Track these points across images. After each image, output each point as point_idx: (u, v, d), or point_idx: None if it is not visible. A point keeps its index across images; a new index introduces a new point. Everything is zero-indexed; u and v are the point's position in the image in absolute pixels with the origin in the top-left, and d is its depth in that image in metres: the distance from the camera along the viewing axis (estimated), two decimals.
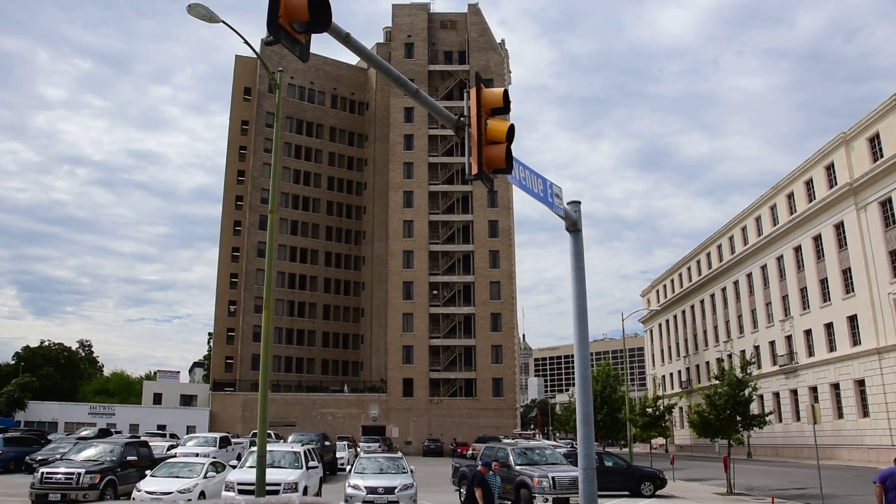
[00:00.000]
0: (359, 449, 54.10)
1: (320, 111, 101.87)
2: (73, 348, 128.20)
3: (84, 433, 54.63)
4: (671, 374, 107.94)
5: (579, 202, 12.11)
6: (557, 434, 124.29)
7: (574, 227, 11.85)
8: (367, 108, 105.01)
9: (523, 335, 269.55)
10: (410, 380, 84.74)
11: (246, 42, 18.38)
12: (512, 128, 9.72)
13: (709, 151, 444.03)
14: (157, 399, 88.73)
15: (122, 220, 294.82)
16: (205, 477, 23.61)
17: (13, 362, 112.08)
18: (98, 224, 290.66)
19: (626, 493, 32.00)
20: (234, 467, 25.82)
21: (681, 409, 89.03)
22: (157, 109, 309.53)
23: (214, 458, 29.46)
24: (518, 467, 26.64)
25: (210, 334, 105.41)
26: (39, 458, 35.66)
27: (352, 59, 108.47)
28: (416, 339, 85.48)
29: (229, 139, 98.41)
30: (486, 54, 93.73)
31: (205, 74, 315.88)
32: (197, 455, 32.42)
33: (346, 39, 8.44)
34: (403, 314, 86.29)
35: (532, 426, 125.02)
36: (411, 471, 25.60)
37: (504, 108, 9.97)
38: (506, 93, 10.02)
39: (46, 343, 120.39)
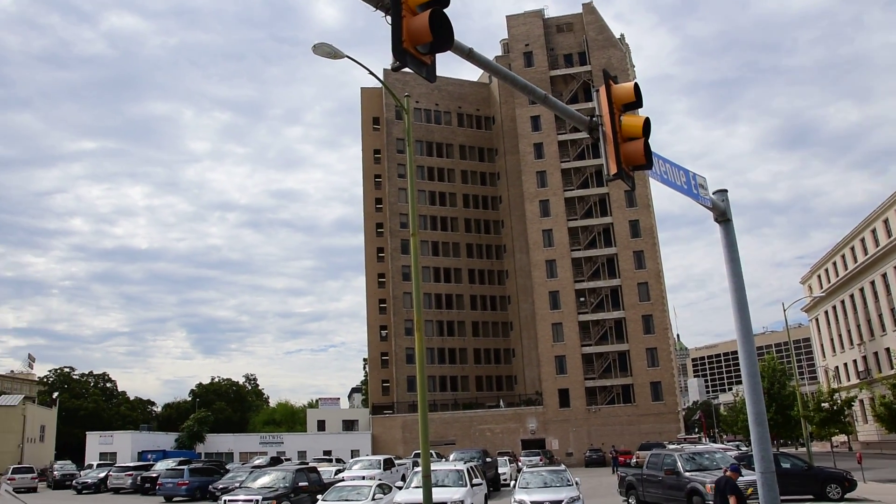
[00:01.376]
0: (520, 463, 53.88)
1: (448, 131, 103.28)
2: (241, 382, 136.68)
3: (257, 462, 57.81)
4: (845, 365, 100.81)
5: (726, 190, 11.61)
6: (724, 436, 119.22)
7: (723, 217, 11.34)
8: (493, 122, 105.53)
9: (678, 335, 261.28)
10: (566, 390, 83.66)
11: (371, 73, 18.81)
12: (648, 121, 9.39)
13: (860, 119, 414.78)
14: (321, 426, 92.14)
15: (271, 258, 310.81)
16: (373, 499, 24.17)
17: (189, 399, 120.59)
18: (251, 264, 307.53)
19: (810, 497, 29.32)
20: (399, 488, 26.30)
21: (861, 402, 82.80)
22: (292, 149, 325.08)
23: (380, 480, 30.12)
24: (688, 474, 25.56)
25: (365, 360, 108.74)
26: (221, 486, 37.88)
27: (473, 75, 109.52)
28: (568, 348, 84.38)
29: (363, 169, 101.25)
30: (606, 52, 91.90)
31: (333, 110, 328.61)
32: (363, 478, 33.41)
33: (469, 55, 8.42)
34: (552, 324, 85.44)
35: (697, 430, 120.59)
36: (576, 483, 25.15)
37: (637, 102, 9.67)
38: (636, 86, 9.72)
39: (217, 379, 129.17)
